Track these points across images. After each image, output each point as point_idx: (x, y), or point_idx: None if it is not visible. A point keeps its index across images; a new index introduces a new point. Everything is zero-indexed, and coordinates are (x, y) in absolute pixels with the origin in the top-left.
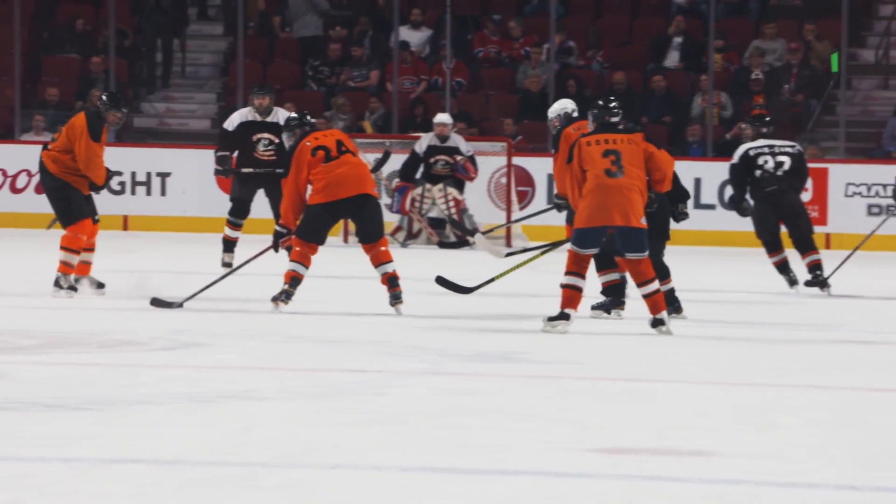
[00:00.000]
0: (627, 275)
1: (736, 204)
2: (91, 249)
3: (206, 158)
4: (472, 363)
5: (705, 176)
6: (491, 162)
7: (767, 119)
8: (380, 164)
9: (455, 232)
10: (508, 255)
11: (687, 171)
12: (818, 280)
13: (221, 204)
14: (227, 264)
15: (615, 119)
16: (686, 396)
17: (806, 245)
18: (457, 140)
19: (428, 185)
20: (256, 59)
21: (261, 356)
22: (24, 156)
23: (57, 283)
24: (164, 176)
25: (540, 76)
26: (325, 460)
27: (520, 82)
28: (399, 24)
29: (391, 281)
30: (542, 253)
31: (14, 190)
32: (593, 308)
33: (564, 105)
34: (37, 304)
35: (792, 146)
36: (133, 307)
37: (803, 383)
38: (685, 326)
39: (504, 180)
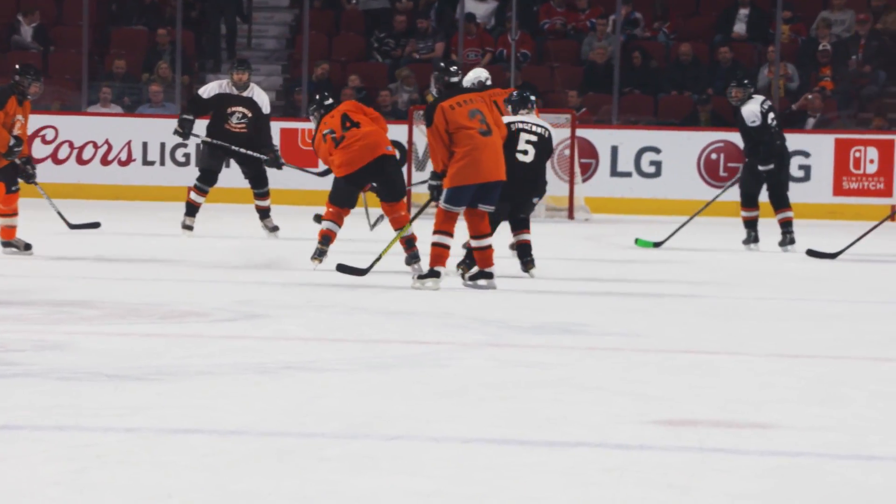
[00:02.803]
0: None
1: (774, 157)
2: (12, 215)
3: (272, 131)
4: (534, 335)
5: None
6: (555, 134)
7: (746, 82)
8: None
9: None
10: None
11: None
12: (788, 238)
13: (287, 175)
14: (188, 227)
15: (456, 79)
16: (750, 369)
17: (782, 201)
18: None
19: None
20: (322, 31)
21: (323, 328)
22: (90, 128)
23: (10, 245)
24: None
25: (605, 48)
26: (386, 432)
27: (585, 54)
28: None
29: (409, 243)
30: (412, 220)
31: (80, 161)
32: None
33: (478, 74)
34: (99, 276)
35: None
36: (196, 279)
37: (868, 356)
38: (748, 300)
39: (567, 152)
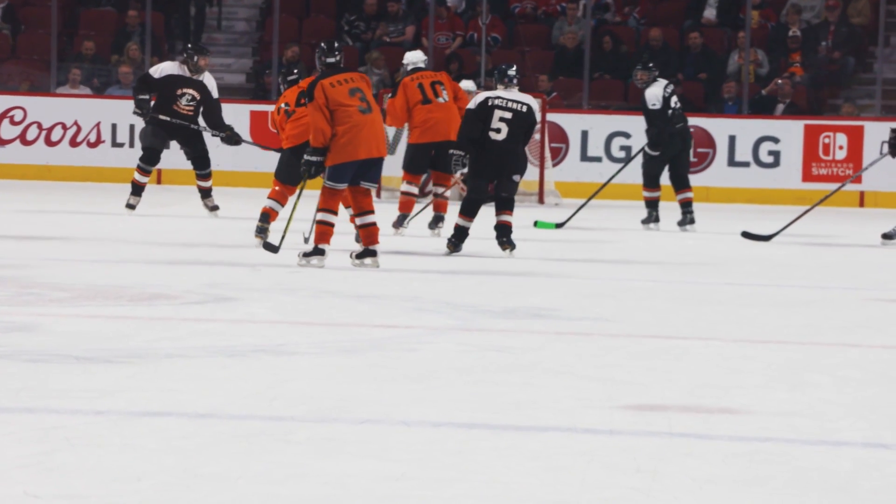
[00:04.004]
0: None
1: (662, 143)
2: None
3: (240, 113)
4: (504, 319)
5: (740, 134)
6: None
7: (651, 65)
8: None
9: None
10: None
11: (722, 128)
12: (688, 218)
13: (255, 159)
14: (130, 206)
15: (333, 59)
16: (718, 354)
17: (683, 182)
18: None
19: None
20: (292, 14)
21: (292, 311)
22: (59, 109)
23: None
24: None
25: (576, 32)
26: (354, 415)
27: (555, 38)
28: None
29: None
30: (299, 194)
31: (49, 143)
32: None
33: (414, 58)
34: (68, 257)
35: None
36: (165, 261)
37: (836, 342)
38: (717, 285)
39: (538, 136)
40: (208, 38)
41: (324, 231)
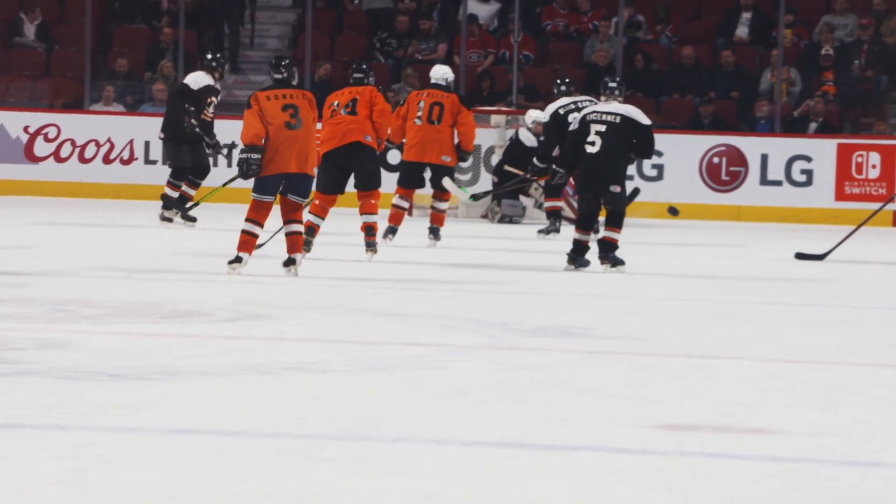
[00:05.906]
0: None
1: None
2: None
3: None
4: (535, 338)
5: (773, 152)
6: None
7: (567, 80)
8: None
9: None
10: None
11: (754, 146)
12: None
13: None
14: (167, 219)
15: (279, 76)
16: (749, 373)
17: (555, 191)
18: None
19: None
20: (325, 32)
21: (324, 328)
22: (92, 126)
23: None
24: (229, 147)
25: (608, 50)
26: (386, 433)
27: (587, 56)
28: None
29: (368, 230)
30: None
31: (82, 160)
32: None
33: (434, 73)
34: (101, 274)
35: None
36: (197, 278)
37: (868, 361)
38: (748, 304)
39: None
40: (241, 55)
41: (245, 240)
